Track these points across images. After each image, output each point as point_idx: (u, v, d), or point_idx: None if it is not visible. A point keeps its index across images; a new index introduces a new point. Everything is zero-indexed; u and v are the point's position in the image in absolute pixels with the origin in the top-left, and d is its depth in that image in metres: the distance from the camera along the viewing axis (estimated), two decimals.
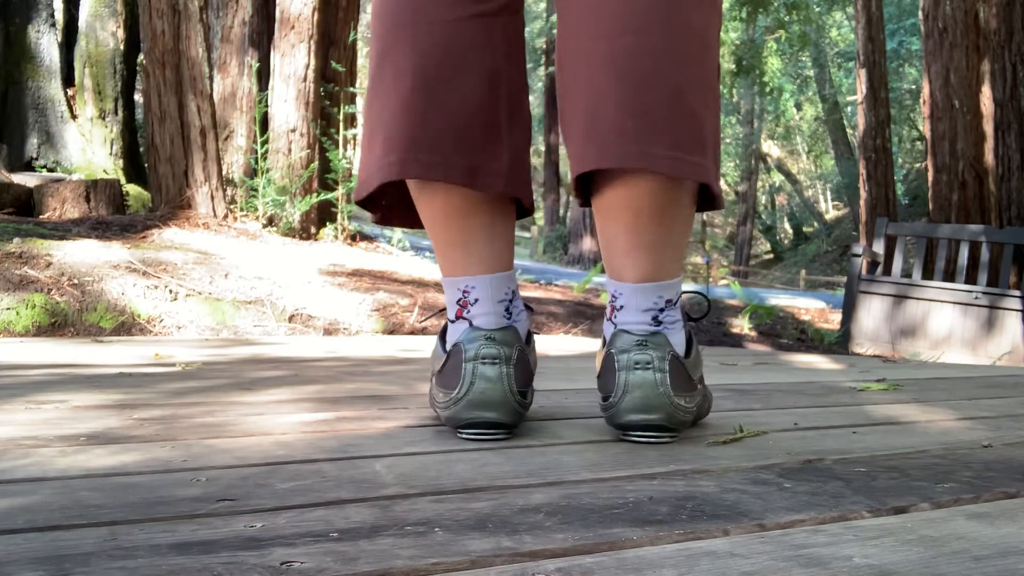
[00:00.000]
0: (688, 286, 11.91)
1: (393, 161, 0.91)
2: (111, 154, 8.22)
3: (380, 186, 0.95)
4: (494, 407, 0.90)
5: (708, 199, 0.97)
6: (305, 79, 5.68)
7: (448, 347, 0.95)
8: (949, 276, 5.60)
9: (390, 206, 1.04)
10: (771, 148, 31.27)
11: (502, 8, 0.94)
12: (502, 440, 0.93)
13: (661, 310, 0.94)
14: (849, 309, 5.58)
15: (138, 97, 8.76)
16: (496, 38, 0.93)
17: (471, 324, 0.95)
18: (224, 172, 5.43)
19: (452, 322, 0.98)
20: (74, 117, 8.14)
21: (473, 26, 0.92)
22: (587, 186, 0.95)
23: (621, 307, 0.95)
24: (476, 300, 0.95)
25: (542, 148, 22.05)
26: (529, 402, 0.97)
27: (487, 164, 0.93)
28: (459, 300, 0.96)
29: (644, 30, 0.85)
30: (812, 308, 7.15)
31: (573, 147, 0.90)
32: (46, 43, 8.02)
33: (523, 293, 4.69)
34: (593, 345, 2.92)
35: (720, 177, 0.95)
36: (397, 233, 7.41)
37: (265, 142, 5.42)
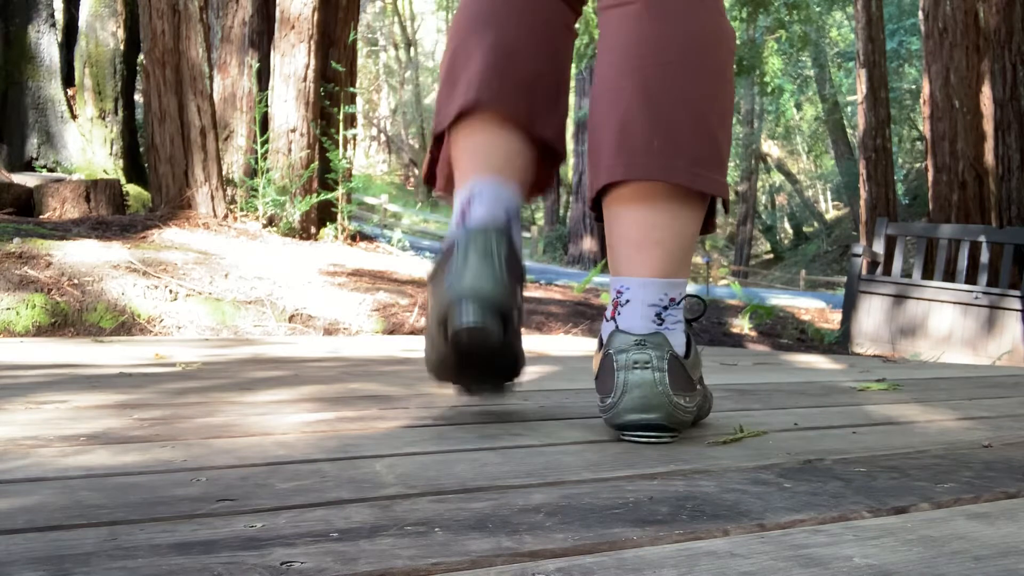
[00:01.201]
0: (687, 287, 11.88)
1: (474, 96, 1.03)
2: (111, 154, 8.22)
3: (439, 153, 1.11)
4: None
5: (707, 223, 1.06)
6: (305, 79, 5.68)
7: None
8: (949, 276, 5.61)
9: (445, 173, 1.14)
10: (771, 148, 31.27)
11: (569, 28, 1.12)
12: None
13: (665, 307, 0.97)
14: (849, 309, 5.58)
15: (138, 97, 8.76)
16: (561, 28, 1.10)
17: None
18: (224, 172, 5.43)
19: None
20: (74, 117, 8.14)
21: (544, 25, 1.08)
22: (600, 197, 1.03)
23: (627, 301, 0.97)
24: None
25: None
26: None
27: (548, 117, 1.07)
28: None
29: (676, 63, 0.98)
30: (812, 308, 7.15)
31: (602, 159, 1.00)
32: (46, 43, 8.03)
33: (524, 293, 4.69)
34: (593, 344, 2.92)
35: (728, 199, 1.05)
36: (397, 233, 7.41)
37: (265, 142, 5.42)
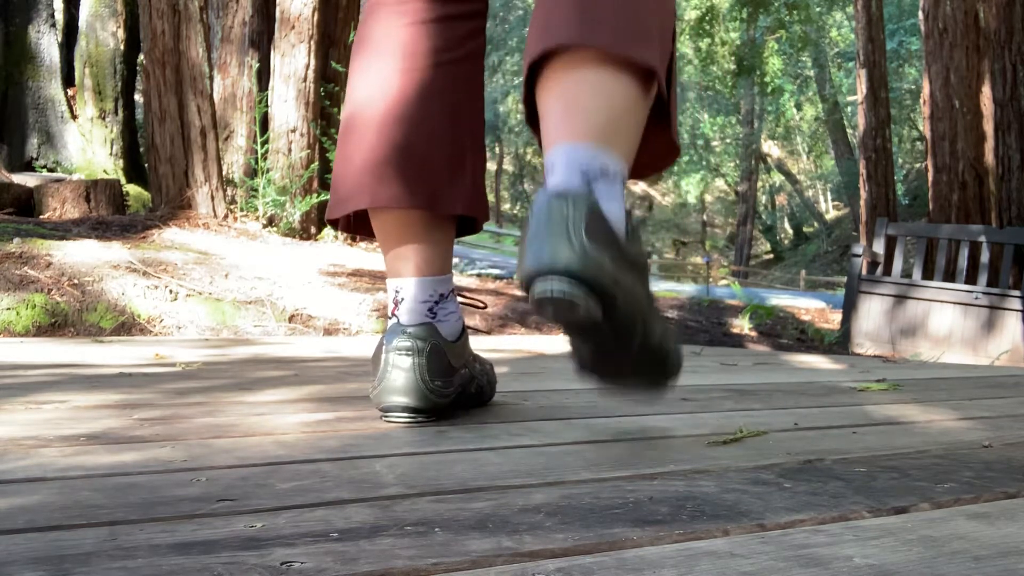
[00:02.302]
0: (688, 287, 11.91)
1: (366, 191, 1.05)
2: (111, 154, 8.22)
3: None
4: (405, 393, 1.01)
5: (668, 145, 0.98)
6: (305, 79, 5.68)
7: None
8: (949, 276, 5.60)
9: (353, 221, 1.17)
10: (771, 148, 31.27)
11: (466, 56, 1.08)
12: (421, 424, 1.03)
13: (595, 177, 0.84)
14: (849, 309, 5.58)
15: (138, 97, 8.76)
16: (460, 83, 1.07)
17: (397, 321, 1.06)
18: (224, 172, 5.43)
19: (388, 319, 1.09)
20: (74, 117, 8.14)
21: (442, 71, 1.06)
22: (534, 98, 0.92)
23: (553, 165, 0.86)
24: (403, 299, 1.07)
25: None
26: (452, 392, 1.06)
27: (449, 189, 1.06)
28: (393, 299, 1.08)
29: None
30: (812, 308, 7.15)
31: (527, 51, 0.90)
32: (46, 43, 8.02)
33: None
34: None
35: (668, 82, 0.94)
36: None
37: (265, 142, 5.42)
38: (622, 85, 0.87)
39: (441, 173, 1.05)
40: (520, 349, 2.60)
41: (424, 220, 1.07)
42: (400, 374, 1.01)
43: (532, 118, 0.93)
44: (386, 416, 1.04)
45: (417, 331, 1.02)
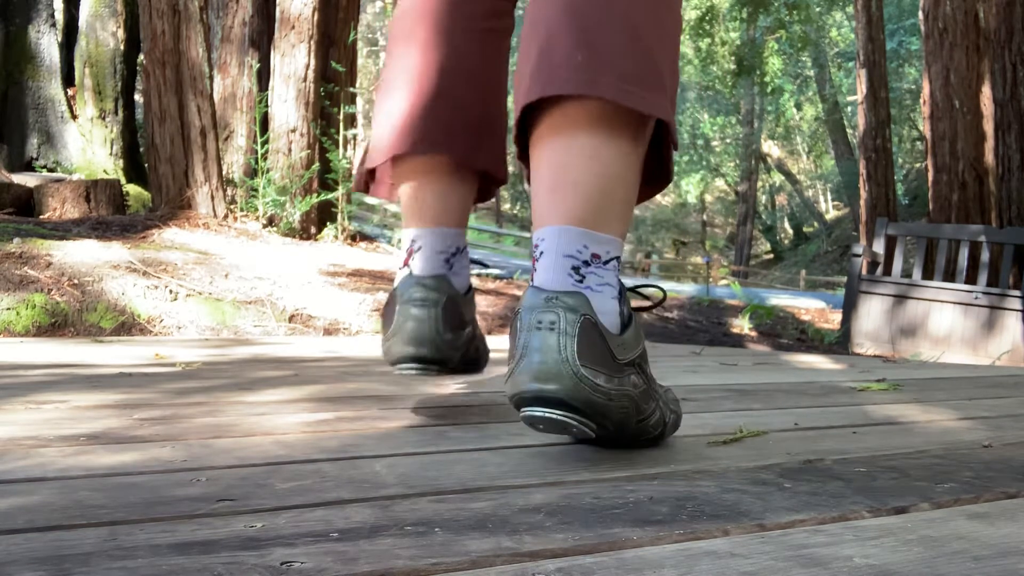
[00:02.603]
0: (688, 287, 11.88)
1: (404, 140, 1.05)
2: (111, 154, 8.22)
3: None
4: (422, 343, 1.00)
5: (663, 172, 0.92)
6: (305, 79, 5.68)
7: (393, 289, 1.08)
8: (949, 276, 5.60)
9: (382, 182, 1.18)
10: (771, 148, 31.27)
11: (498, 31, 1.11)
12: (434, 376, 1.05)
13: (586, 263, 0.80)
14: (849, 309, 5.58)
15: (138, 97, 8.75)
16: (491, 53, 1.10)
17: (411, 271, 1.06)
18: (224, 172, 5.42)
19: (400, 269, 1.09)
20: (74, 117, 8.14)
21: (475, 38, 1.09)
22: (527, 138, 0.89)
23: (541, 253, 0.82)
24: (419, 248, 1.07)
25: None
26: (461, 344, 1.06)
27: (478, 147, 1.08)
28: (407, 249, 1.08)
29: None
30: (812, 308, 7.15)
31: (521, 87, 0.85)
32: (46, 43, 8.02)
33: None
34: None
35: (676, 133, 0.90)
36: (397, 233, 7.41)
37: (265, 142, 5.42)
38: (618, 148, 0.82)
39: (471, 129, 1.07)
40: None
41: (449, 169, 1.08)
42: (415, 324, 1.00)
43: (524, 155, 0.90)
44: (398, 367, 1.03)
45: (433, 282, 1.02)
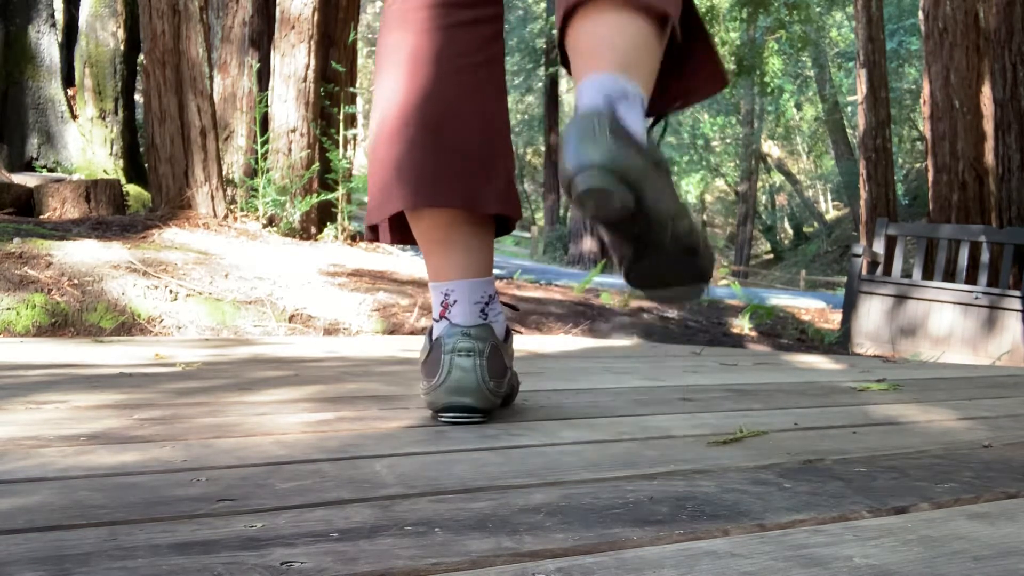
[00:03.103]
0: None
1: (406, 193, 1.06)
2: (111, 154, 8.22)
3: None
4: (468, 393, 1.03)
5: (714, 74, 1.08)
6: (305, 79, 5.68)
7: (431, 340, 1.10)
8: (949, 276, 5.60)
9: (385, 228, 1.19)
10: (771, 148, 31.27)
11: (490, 59, 1.11)
12: (477, 423, 1.05)
13: (624, 97, 0.93)
14: (849, 309, 5.58)
15: (138, 97, 8.76)
16: (486, 86, 1.10)
17: (451, 322, 1.08)
18: (224, 172, 5.42)
19: (436, 321, 1.12)
20: (74, 117, 8.14)
21: (469, 75, 1.09)
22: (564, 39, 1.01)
23: (581, 93, 0.95)
24: (455, 301, 1.09)
25: (542, 148, 22.02)
26: (504, 392, 1.10)
27: (485, 189, 1.08)
28: (442, 301, 1.11)
29: None
30: (812, 308, 7.15)
31: (561, 3, 0.98)
32: (46, 43, 8.02)
33: (523, 293, 4.69)
34: (593, 344, 2.92)
35: (692, 20, 1.06)
36: None
37: (265, 142, 5.42)
38: (640, 26, 0.97)
39: (477, 174, 1.08)
40: (520, 349, 2.60)
41: (466, 221, 1.10)
42: (462, 374, 1.03)
43: (565, 59, 1.02)
44: (444, 416, 1.05)
45: (478, 332, 1.06)
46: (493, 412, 1.10)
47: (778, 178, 31.75)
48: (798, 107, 28.80)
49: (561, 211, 22.96)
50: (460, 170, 1.07)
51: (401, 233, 1.17)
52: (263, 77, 5.97)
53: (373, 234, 1.18)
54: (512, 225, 1.19)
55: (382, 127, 1.10)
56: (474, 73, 1.09)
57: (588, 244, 18.64)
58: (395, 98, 1.08)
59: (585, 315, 4.11)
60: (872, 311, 5.50)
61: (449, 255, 1.10)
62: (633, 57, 0.97)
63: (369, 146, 1.13)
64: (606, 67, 0.95)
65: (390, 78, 1.10)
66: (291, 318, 3.25)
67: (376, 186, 1.10)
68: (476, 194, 1.08)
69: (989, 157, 6.65)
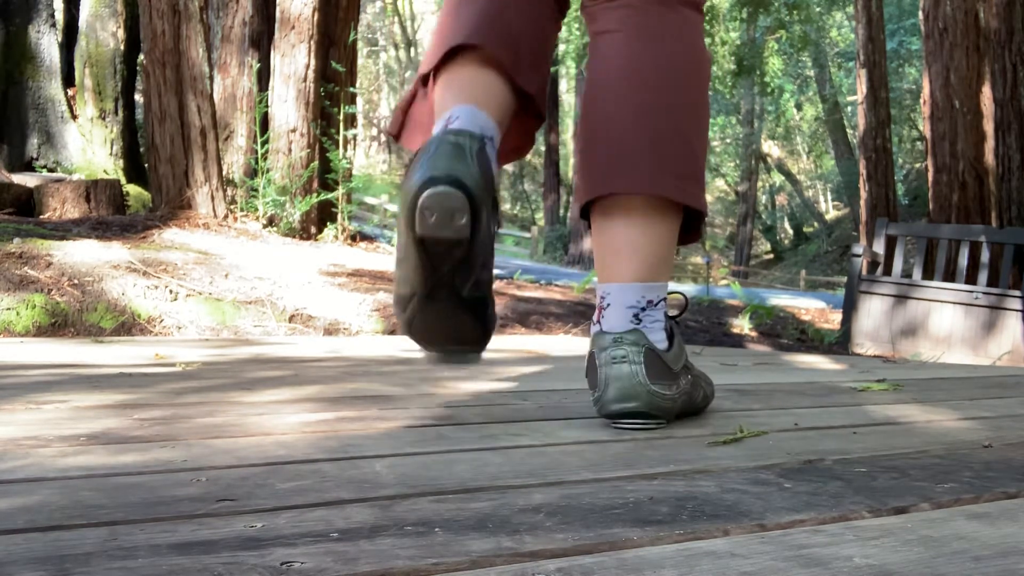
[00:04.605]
0: (687, 287, 11.90)
1: (459, 39, 1.06)
2: (111, 154, 8.21)
3: (410, 103, 1.14)
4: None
5: (690, 230, 1.17)
6: (305, 79, 5.68)
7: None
8: (949, 276, 5.60)
9: (415, 120, 1.16)
10: (771, 148, 31.26)
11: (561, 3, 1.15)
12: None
13: (643, 309, 1.07)
14: (849, 309, 5.58)
15: (138, 97, 8.76)
16: (550, 7, 1.14)
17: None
18: (224, 172, 5.42)
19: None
20: (74, 117, 8.14)
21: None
22: (588, 207, 1.13)
23: (608, 305, 1.08)
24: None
25: (542, 148, 22.06)
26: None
27: (529, 72, 1.09)
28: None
29: (664, 88, 1.08)
30: (812, 308, 7.15)
31: (594, 174, 1.09)
32: (46, 43, 8.02)
33: (523, 293, 4.69)
34: None
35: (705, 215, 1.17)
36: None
37: (265, 142, 5.42)
38: (667, 224, 1.10)
39: (532, 54, 1.10)
40: (520, 349, 2.60)
41: (505, 77, 1.07)
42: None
43: (586, 215, 1.14)
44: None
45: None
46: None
47: (778, 178, 31.75)
48: (798, 107, 28.80)
49: (561, 211, 22.96)
50: (520, 37, 1.09)
51: (418, 135, 1.14)
52: (263, 77, 5.97)
53: (400, 127, 1.16)
54: (530, 141, 1.19)
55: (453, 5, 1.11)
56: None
57: (588, 244, 18.64)
58: None
59: (585, 315, 4.11)
60: (872, 311, 5.50)
61: (471, 85, 1.06)
62: (658, 256, 1.09)
63: (438, 20, 1.13)
64: (634, 276, 1.07)
65: None
66: (291, 318, 3.25)
67: (439, 36, 1.10)
68: (526, 65, 1.08)
69: (989, 157, 6.65)
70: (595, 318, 1.11)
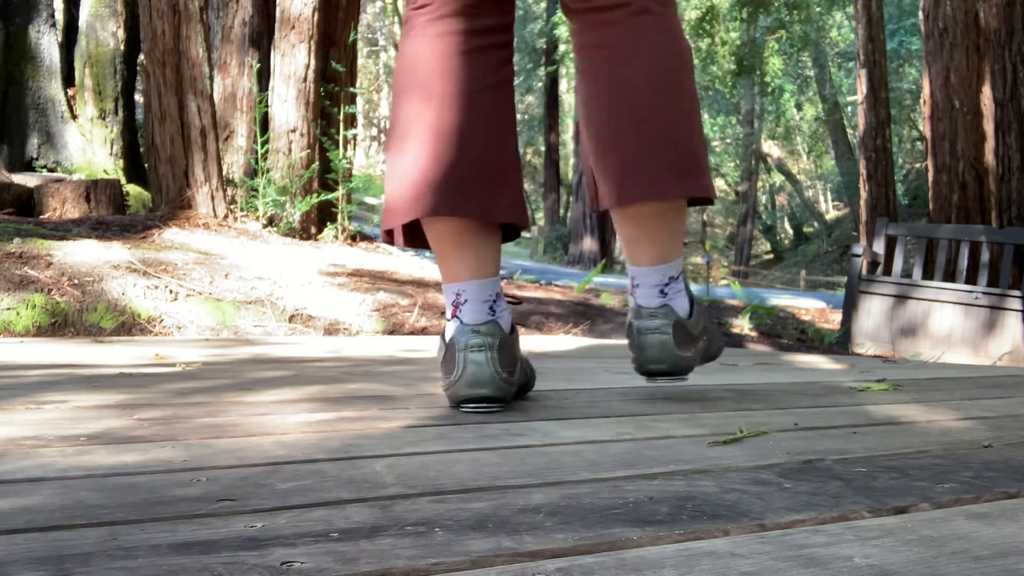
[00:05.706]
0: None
1: (425, 202, 1.16)
2: (111, 154, 8.22)
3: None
4: (484, 384, 1.13)
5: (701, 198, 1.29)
6: (305, 79, 5.68)
7: (446, 340, 1.19)
8: (949, 276, 5.60)
9: (399, 233, 1.29)
10: (771, 148, 31.26)
11: (502, 81, 1.22)
12: (496, 412, 1.14)
13: (667, 284, 1.26)
14: (849, 309, 5.58)
15: (138, 97, 8.76)
16: (499, 105, 1.21)
17: (462, 321, 1.17)
18: (224, 172, 5.42)
19: (448, 320, 1.21)
20: (74, 117, 8.14)
21: (484, 96, 1.19)
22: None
23: (637, 285, 1.27)
24: (465, 300, 1.19)
25: (542, 148, 22.03)
26: (516, 380, 1.20)
27: (497, 200, 1.20)
28: (454, 301, 1.20)
29: (659, 94, 1.18)
30: (812, 308, 7.15)
31: (607, 184, 1.22)
32: (46, 43, 8.02)
33: (523, 293, 4.69)
34: (593, 344, 2.92)
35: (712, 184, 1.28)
36: None
37: (265, 142, 5.42)
38: (680, 211, 1.26)
39: (490, 186, 1.20)
40: (521, 349, 2.60)
41: (477, 228, 1.20)
42: (476, 368, 1.12)
43: (596, 205, 1.31)
44: (465, 407, 1.15)
45: (487, 328, 1.15)
46: (509, 401, 1.19)
47: (778, 178, 31.74)
48: (798, 107, 28.78)
49: (561, 211, 22.96)
50: (475, 183, 1.17)
51: (414, 238, 1.27)
52: (263, 77, 5.97)
53: (388, 237, 1.28)
54: (518, 233, 1.31)
55: (403, 142, 1.19)
56: (488, 94, 1.19)
57: (588, 244, 18.64)
58: (416, 116, 1.18)
59: (585, 315, 4.11)
60: (872, 311, 5.50)
61: (461, 259, 1.20)
62: (673, 238, 1.27)
63: (388, 158, 1.22)
64: (655, 260, 1.28)
65: (412, 98, 1.18)
66: (291, 318, 3.25)
67: (395, 195, 1.19)
68: (489, 205, 1.18)
69: (989, 157, 6.65)
70: (629, 291, 1.29)
